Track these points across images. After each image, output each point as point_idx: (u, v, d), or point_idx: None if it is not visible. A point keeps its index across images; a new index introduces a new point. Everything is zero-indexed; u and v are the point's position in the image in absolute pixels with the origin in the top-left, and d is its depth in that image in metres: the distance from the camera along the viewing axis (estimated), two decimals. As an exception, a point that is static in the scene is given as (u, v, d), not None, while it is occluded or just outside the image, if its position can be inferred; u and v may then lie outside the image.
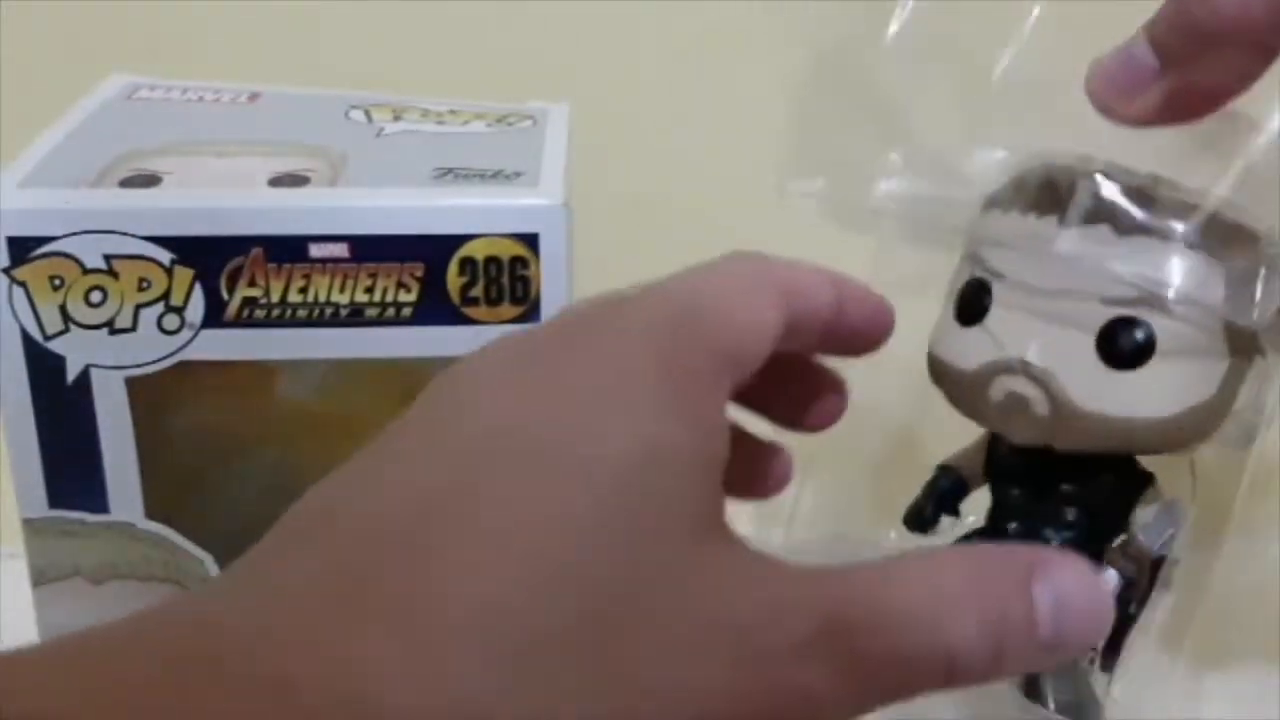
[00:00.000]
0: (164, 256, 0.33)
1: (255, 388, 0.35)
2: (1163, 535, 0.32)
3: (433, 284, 0.33)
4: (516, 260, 0.33)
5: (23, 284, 0.33)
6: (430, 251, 0.33)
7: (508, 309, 0.34)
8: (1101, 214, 0.30)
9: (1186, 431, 0.31)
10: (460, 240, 0.33)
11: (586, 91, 0.42)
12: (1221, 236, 0.30)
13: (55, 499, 0.35)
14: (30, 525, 0.35)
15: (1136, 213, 0.30)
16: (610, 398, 0.21)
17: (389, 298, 0.33)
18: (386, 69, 0.48)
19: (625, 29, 0.51)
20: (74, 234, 0.32)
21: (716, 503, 0.22)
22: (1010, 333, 0.31)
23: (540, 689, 0.19)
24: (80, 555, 0.35)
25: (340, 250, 0.33)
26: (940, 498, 0.35)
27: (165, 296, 0.33)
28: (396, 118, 0.38)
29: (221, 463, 0.35)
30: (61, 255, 0.32)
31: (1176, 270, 0.30)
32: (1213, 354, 0.31)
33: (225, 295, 0.33)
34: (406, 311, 0.33)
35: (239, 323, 0.33)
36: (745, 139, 0.50)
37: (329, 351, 0.34)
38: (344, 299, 0.33)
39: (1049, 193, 0.31)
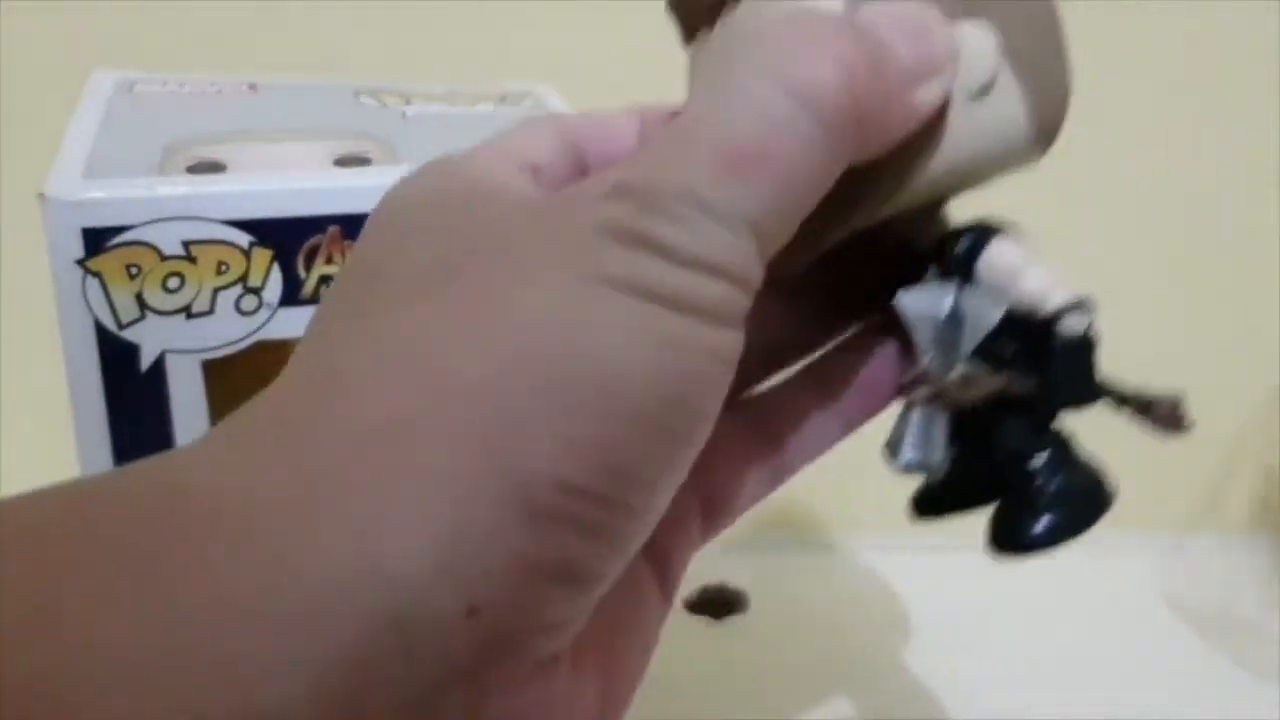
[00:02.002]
0: (243, 239, 0.33)
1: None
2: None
3: (500, 252, 0.35)
4: (577, 225, 0.36)
5: (98, 274, 0.33)
6: (498, 221, 0.35)
7: (568, 272, 0.36)
8: None
9: None
10: (526, 209, 0.35)
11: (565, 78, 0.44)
12: None
13: (126, 488, 0.35)
14: (98, 517, 0.35)
15: None
16: None
17: (459, 267, 0.35)
18: (353, 56, 0.49)
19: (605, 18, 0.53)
20: (152, 222, 0.33)
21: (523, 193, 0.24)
22: None
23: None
24: (149, 542, 0.36)
25: (413, 224, 0.34)
26: None
27: (243, 278, 0.34)
28: (407, 102, 0.40)
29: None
30: (139, 244, 0.33)
31: None
32: None
33: (302, 274, 0.34)
34: (475, 279, 0.35)
35: (316, 300, 0.34)
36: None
37: (401, 322, 0.35)
38: (417, 271, 0.35)
39: None
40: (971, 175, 0.25)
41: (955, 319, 0.25)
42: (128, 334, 0.34)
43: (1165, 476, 0.57)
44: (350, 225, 0.34)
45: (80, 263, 0.33)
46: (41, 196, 0.32)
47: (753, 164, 0.20)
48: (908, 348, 0.27)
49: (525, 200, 0.23)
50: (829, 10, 0.23)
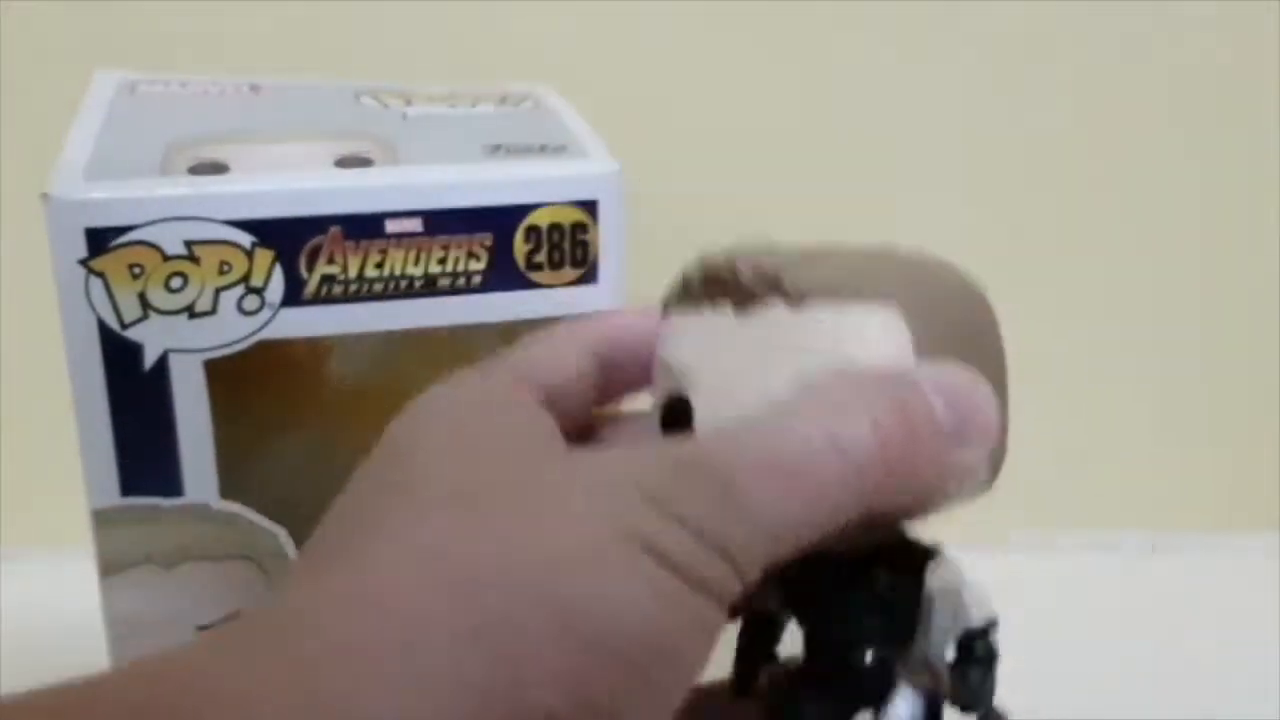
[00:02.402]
0: (245, 239, 0.34)
1: (314, 362, 0.36)
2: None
3: (501, 252, 0.35)
4: (577, 226, 0.36)
5: (100, 274, 0.33)
6: (499, 222, 0.35)
7: (569, 272, 0.36)
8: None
9: None
10: (526, 210, 0.35)
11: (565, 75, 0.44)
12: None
13: (128, 487, 0.35)
14: (101, 516, 0.35)
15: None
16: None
17: (460, 268, 0.35)
18: (354, 56, 0.49)
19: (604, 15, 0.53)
20: (155, 222, 0.33)
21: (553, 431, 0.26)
22: None
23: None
24: (152, 541, 0.36)
25: (414, 225, 0.35)
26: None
27: (246, 278, 0.34)
28: (408, 102, 0.40)
29: (287, 435, 0.37)
30: (142, 244, 0.33)
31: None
32: None
33: (304, 274, 0.34)
34: (476, 280, 0.36)
35: (317, 300, 0.35)
36: (733, 108, 0.54)
37: (402, 323, 0.36)
38: (418, 271, 0.35)
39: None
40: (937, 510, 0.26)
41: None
42: (130, 334, 0.34)
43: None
44: (351, 225, 0.34)
45: (83, 263, 0.33)
46: (44, 197, 0.32)
47: (788, 479, 0.22)
48: None
49: (556, 437, 0.26)
50: (884, 360, 0.24)
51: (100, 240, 0.33)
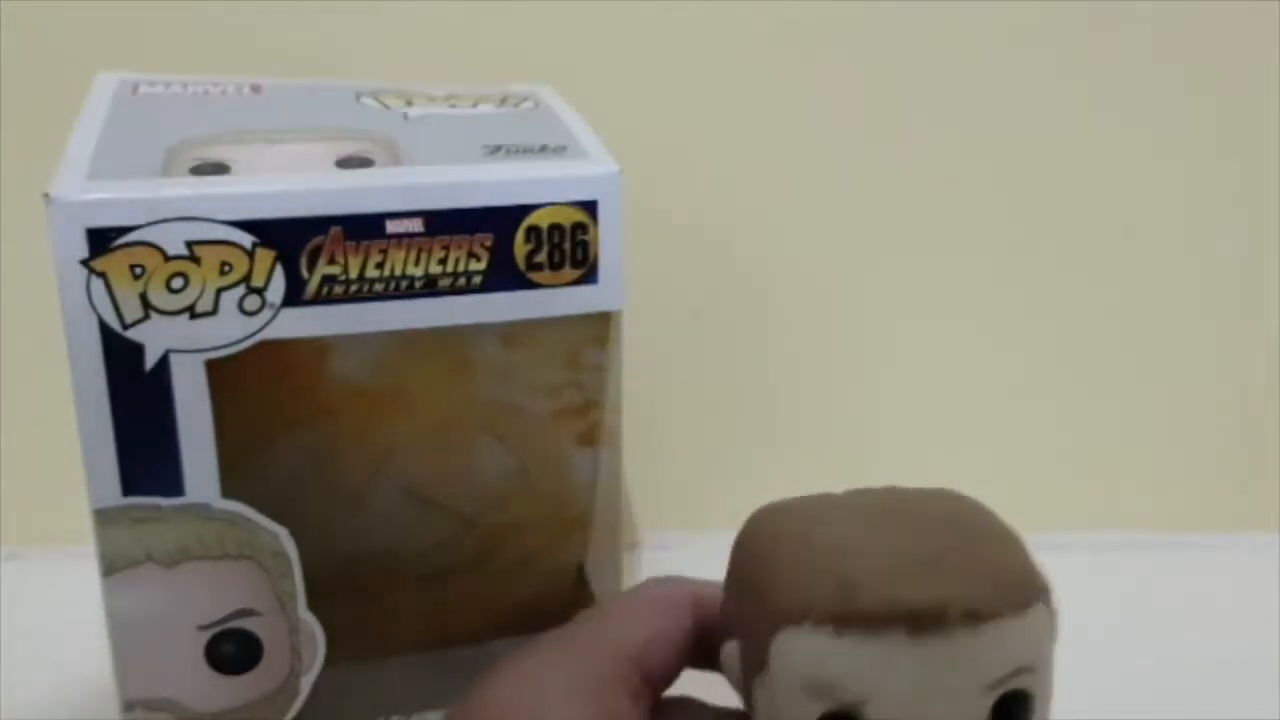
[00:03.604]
0: (246, 240, 0.34)
1: (315, 362, 0.37)
2: None
3: (501, 252, 0.35)
4: (577, 226, 0.36)
5: (102, 275, 0.33)
6: (499, 222, 0.35)
7: (569, 272, 0.36)
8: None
9: None
10: (527, 210, 0.35)
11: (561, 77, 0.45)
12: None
13: (130, 487, 0.35)
14: (102, 515, 0.35)
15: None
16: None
17: (460, 268, 0.35)
18: (355, 57, 0.49)
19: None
20: (156, 222, 0.33)
21: None
22: None
23: None
24: (152, 540, 0.36)
25: (415, 225, 0.35)
26: None
27: (246, 279, 0.34)
28: (409, 103, 0.40)
29: (288, 435, 0.37)
30: (143, 244, 0.33)
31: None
32: None
33: (305, 274, 0.34)
34: (477, 280, 0.36)
35: (318, 300, 0.35)
36: (732, 109, 0.54)
37: (402, 323, 0.36)
38: (418, 271, 0.35)
39: None
40: None
41: None
42: (132, 334, 0.34)
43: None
44: (352, 226, 0.34)
45: (85, 263, 0.33)
46: (46, 197, 0.32)
47: None
48: None
49: None
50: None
51: (102, 240, 0.33)
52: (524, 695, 0.30)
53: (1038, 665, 0.27)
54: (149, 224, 0.33)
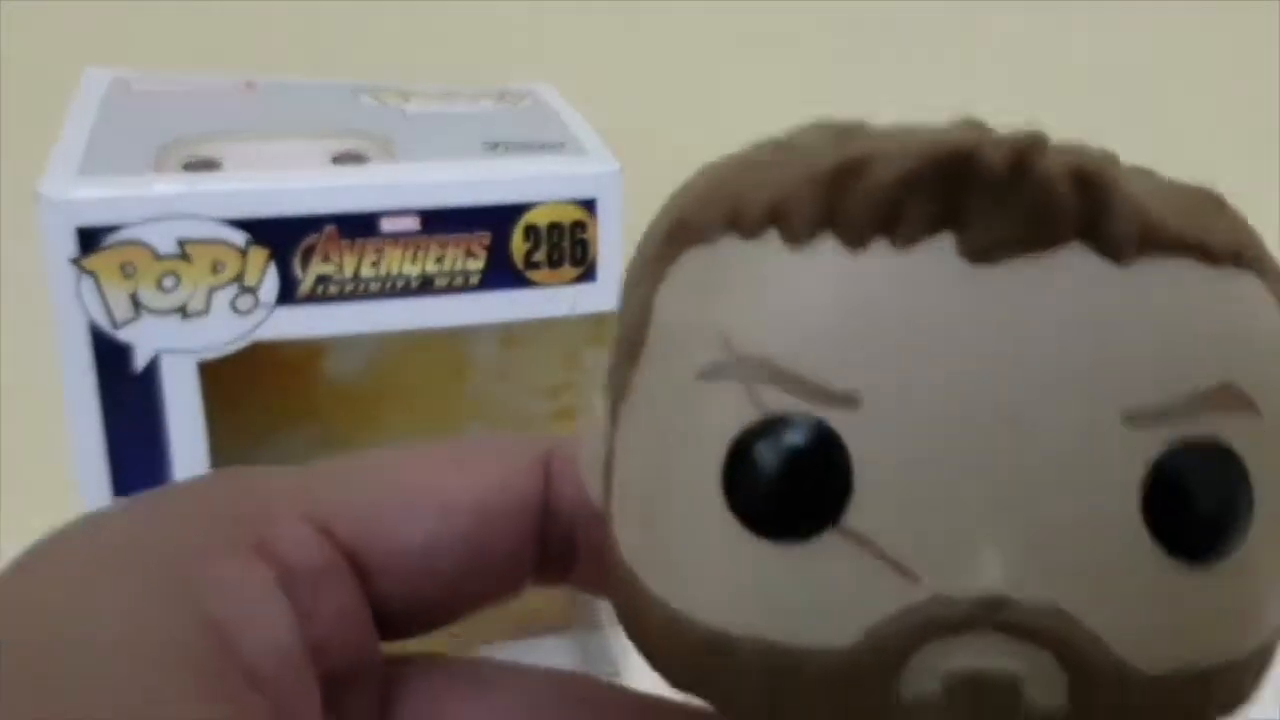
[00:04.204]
0: (239, 238, 0.33)
1: (306, 363, 0.36)
2: None
3: (499, 251, 0.35)
4: (576, 224, 0.35)
5: (92, 273, 0.33)
6: (496, 220, 0.35)
7: (568, 270, 0.36)
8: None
9: None
10: (525, 208, 0.35)
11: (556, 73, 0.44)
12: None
13: (120, 488, 0.35)
14: (92, 518, 0.35)
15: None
16: None
17: (457, 267, 0.35)
18: (352, 53, 0.49)
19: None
20: (147, 221, 0.33)
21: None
22: (925, 535, 0.13)
23: None
24: (144, 544, 0.35)
25: (411, 224, 0.34)
26: None
27: (239, 278, 0.33)
28: (407, 100, 0.40)
29: (281, 437, 0.36)
30: (134, 243, 0.33)
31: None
32: None
33: (299, 274, 0.34)
34: (474, 279, 0.35)
35: (312, 300, 0.34)
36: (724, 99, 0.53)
37: (398, 323, 0.35)
38: (415, 270, 0.35)
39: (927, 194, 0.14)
40: None
41: None
42: (122, 334, 0.33)
43: None
44: (347, 224, 0.34)
45: (75, 262, 0.32)
46: (36, 195, 0.32)
47: None
48: None
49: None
50: None
51: (92, 239, 0.32)
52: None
53: (1260, 398, 0.14)
54: (140, 222, 0.32)
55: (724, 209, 0.14)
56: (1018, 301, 0.13)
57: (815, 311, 0.14)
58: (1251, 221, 0.16)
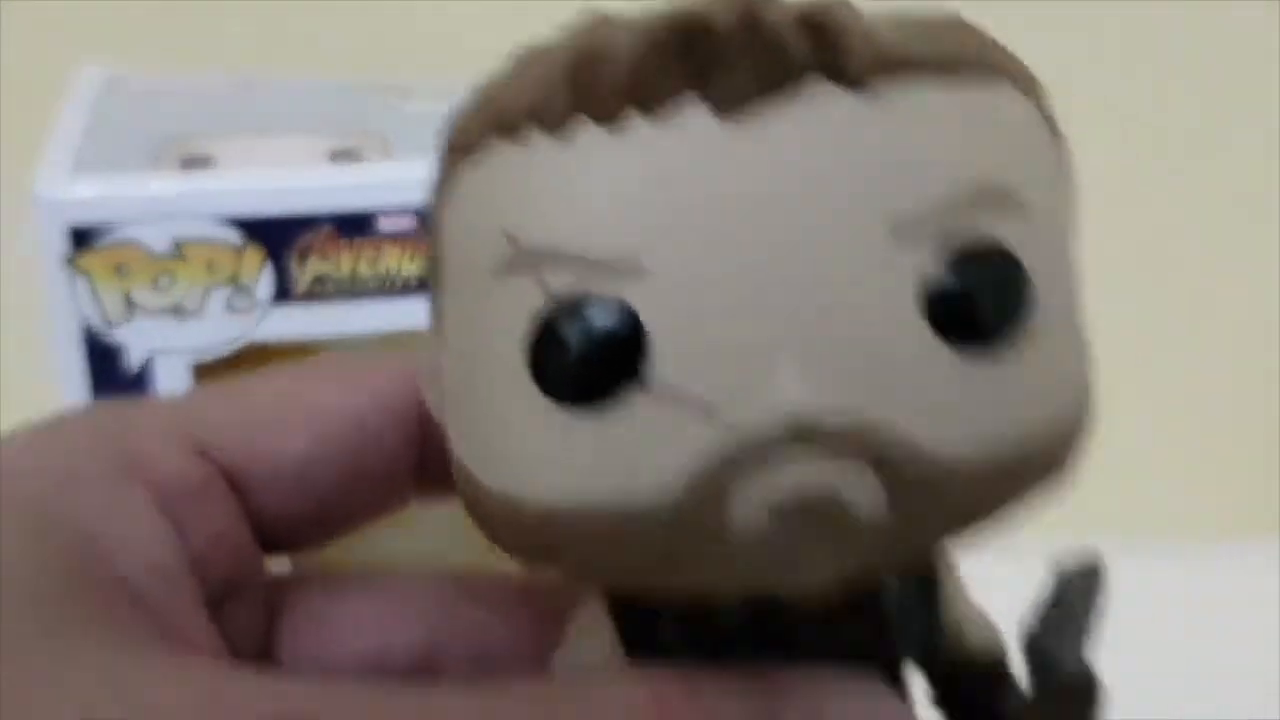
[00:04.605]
0: (235, 237, 0.33)
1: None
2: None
3: (498, 251, 0.34)
4: (576, 224, 0.35)
5: (85, 273, 0.32)
6: (496, 219, 0.34)
7: (568, 271, 0.35)
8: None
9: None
10: (524, 207, 0.34)
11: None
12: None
13: (113, 492, 0.34)
14: (85, 522, 0.34)
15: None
16: None
17: (456, 266, 0.34)
18: (349, 51, 0.48)
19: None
20: (141, 219, 0.32)
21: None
22: (720, 371, 0.14)
23: None
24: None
25: (409, 223, 0.34)
26: None
27: (234, 277, 0.33)
28: (405, 97, 0.39)
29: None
30: (128, 242, 0.32)
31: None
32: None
33: (295, 273, 0.33)
34: (473, 279, 0.35)
35: (308, 299, 0.34)
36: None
37: (396, 323, 0.35)
38: (413, 270, 0.34)
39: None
40: None
41: None
42: (116, 335, 0.33)
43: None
44: (344, 223, 0.33)
45: (68, 261, 0.32)
46: (28, 193, 0.31)
47: None
48: None
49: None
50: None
51: (84, 238, 0.32)
52: None
53: (1022, 193, 0.15)
54: (134, 221, 0.32)
55: (489, 119, 0.16)
56: (772, 144, 0.14)
57: (586, 194, 0.15)
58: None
